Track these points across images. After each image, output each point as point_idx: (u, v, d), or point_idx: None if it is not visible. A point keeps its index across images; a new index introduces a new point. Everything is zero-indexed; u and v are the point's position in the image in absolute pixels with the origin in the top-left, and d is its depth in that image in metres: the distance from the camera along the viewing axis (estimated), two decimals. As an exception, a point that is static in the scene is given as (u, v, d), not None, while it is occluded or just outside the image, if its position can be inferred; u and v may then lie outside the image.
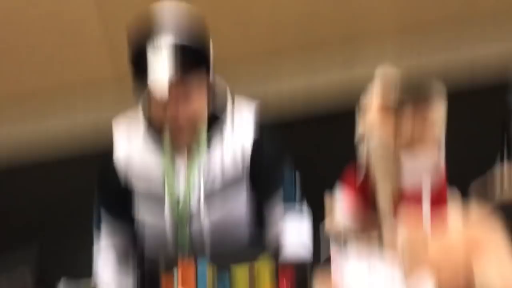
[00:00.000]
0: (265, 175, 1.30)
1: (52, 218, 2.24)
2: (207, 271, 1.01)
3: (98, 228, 1.36)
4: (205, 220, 1.26)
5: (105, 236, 1.36)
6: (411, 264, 0.81)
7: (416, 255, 0.79)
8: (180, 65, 1.16)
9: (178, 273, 1.02)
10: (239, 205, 1.30)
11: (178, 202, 1.27)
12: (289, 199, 1.34)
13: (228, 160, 1.28)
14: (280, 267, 0.97)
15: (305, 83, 2.15)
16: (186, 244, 1.29)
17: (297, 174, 1.39)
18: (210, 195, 1.26)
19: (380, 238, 1.11)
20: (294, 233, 1.31)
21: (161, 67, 1.15)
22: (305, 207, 1.38)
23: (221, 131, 1.28)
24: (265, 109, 1.38)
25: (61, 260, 1.58)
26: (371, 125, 1.01)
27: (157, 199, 1.28)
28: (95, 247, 1.38)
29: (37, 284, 1.02)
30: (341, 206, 1.17)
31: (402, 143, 0.99)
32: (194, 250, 1.30)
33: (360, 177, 1.12)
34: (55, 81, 2.11)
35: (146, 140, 1.31)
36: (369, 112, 1.05)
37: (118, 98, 2.09)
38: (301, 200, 1.38)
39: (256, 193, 1.31)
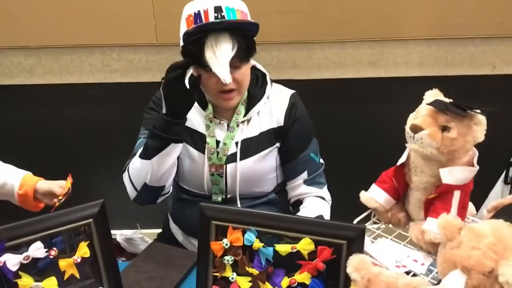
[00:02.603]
0: (293, 144, 1.47)
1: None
2: (254, 244, 1.05)
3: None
4: (239, 163, 1.42)
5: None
6: (444, 262, 0.85)
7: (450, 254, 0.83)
8: (238, 46, 1.27)
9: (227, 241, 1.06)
10: (269, 159, 1.47)
11: (217, 142, 1.44)
12: (312, 171, 1.49)
13: (262, 131, 1.45)
14: (319, 248, 1.02)
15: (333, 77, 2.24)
16: (219, 183, 1.46)
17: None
18: (246, 142, 1.44)
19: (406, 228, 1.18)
20: (316, 211, 1.44)
21: (222, 52, 1.24)
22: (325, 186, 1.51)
23: (259, 109, 1.41)
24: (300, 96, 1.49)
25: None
26: (421, 122, 1.04)
27: (200, 140, 1.44)
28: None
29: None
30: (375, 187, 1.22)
31: (444, 145, 1.03)
32: (226, 191, 1.47)
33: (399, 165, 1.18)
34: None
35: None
36: (421, 110, 1.08)
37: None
38: (323, 175, 1.53)
39: (283, 155, 1.48)
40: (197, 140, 1.45)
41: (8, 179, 1.38)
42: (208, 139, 1.44)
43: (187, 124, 1.43)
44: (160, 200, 1.46)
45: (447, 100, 1.07)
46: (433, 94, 1.09)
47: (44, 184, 1.37)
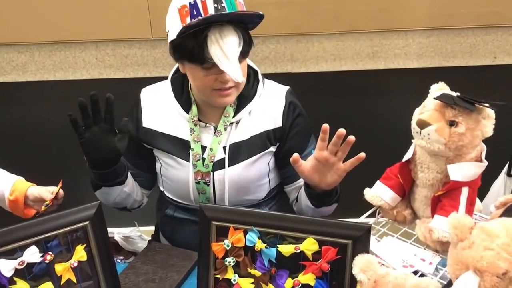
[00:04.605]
0: (294, 143, 1.38)
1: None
2: (256, 244, 1.02)
3: None
4: (228, 169, 1.33)
5: None
6: (455, 263, 0.81)
7: (462, 255, 0.79)
8: (243, 40, 1.19)
9: (228, 243, 1.03)
10: (261, 164, 1.38)
11: (203, 148, 1.34)
12: None
13: (254, 135, 1.36)
14: (323, 248, 0.99)
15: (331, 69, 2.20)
16: (206, 192, 1.37)
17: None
18: (235, 147, 1.34)
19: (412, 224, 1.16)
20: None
21: (231, 48, 1.15)
22: None
23: (250, 109, 1.35)
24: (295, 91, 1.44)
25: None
26: (428, 117, 1.01)
27: (184, 147, 1.35)
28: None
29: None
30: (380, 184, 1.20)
31: (452, 141, 1.00)
32: (215, 200, 1.38)
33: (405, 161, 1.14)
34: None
35: (175, 103, 1.35)
36: (427, 104, 1.04)
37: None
38: None
39: (284, 157, 1.37)
40: (181, 148, 1.34)
41: None
42: (192, 145, 1.34)
43: (168, 132, 1.35)
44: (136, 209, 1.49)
45: (454, 93, 1.03)
46: (439, 88, 1.06)
47: (34, 190, 1.30)
